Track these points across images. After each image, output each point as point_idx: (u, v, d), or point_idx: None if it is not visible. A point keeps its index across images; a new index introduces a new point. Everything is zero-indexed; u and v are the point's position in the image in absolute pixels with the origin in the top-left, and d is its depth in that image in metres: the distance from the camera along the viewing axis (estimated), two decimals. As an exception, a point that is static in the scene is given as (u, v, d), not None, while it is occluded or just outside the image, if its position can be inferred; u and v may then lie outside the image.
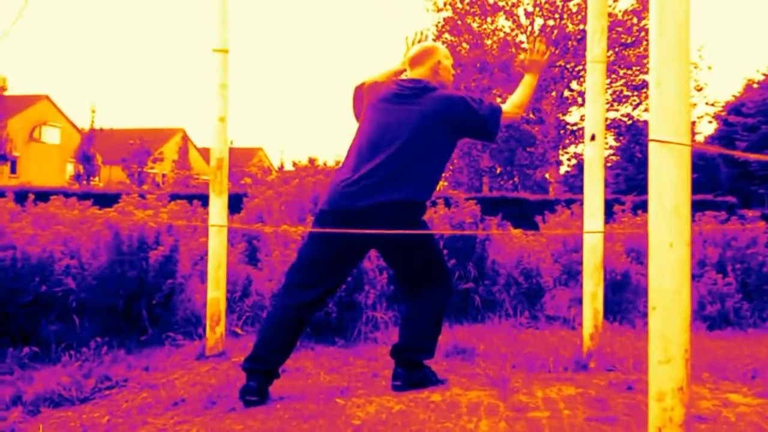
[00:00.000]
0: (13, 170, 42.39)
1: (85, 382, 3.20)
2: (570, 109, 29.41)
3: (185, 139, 51.35)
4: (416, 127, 3.05)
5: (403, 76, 3.42)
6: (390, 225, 2.96)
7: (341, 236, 3.00)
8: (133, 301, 4.25)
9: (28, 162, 44.76)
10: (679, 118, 1.72)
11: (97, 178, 37.86)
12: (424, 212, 3.16)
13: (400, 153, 3.02)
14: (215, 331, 3.95)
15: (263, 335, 3.09)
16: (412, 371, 3.21)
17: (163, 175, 43.75)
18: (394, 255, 3.22)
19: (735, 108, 38.38)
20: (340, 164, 3.24)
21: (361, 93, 3.39)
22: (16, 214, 4.54)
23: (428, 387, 3.19)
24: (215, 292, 3.95)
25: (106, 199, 7.76)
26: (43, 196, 6.28)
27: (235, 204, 5.32)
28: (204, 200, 4.82)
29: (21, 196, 5.21)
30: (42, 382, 3.19)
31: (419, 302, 3.24)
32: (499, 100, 28.08)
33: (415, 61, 3.30)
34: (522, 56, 3.50)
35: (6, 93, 35.97)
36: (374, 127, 3.14)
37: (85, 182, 34.75)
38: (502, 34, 28.52)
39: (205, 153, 50.77)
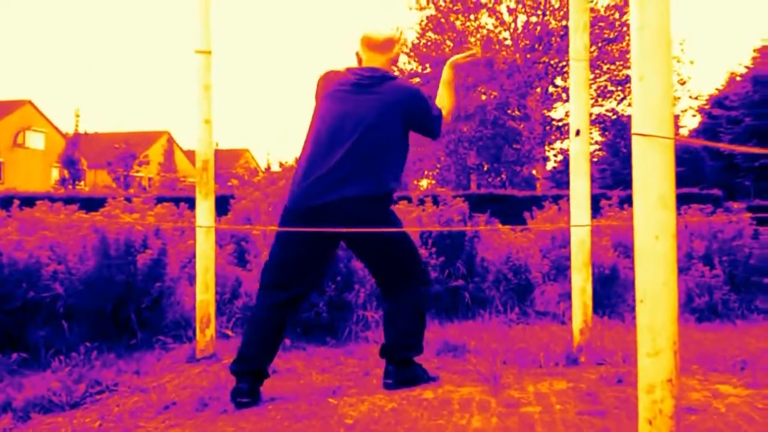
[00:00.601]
0: (-3, 176, 42.07)
1: (75, 387, 3.18)
2: (555, 105, 29.47)
3: (171, 141, 51.08)
4: (377, 116, 3.02)
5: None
6: (356, 219, 2.93)
7: (308, 235, 2.97)
8: (122, 305, 4.23)
9: (13, 168, 44.42)
10: (662, 112, 1.72)
11: (82, 183, 37.59)
12: (390, 203, 3.12)
13: (361, 144, 2.98)
14: (205, 334, 3.93)
15: (247, 337, 3.08)
16: (403, 369, 3.21)
17: (149, 179, 43.55)
18: (364, 250, 3.18)
19: (718, 101, 38.69)
20: (299, 158, 3.16)
21: (317, 84, 3.29)
22: (1, 219, 4.51)
23: (420, 384, 3.19)
24: (204, 295, 3.94)
25: (92, 204, 7.70)
26: (28, 201, 6.23)
27: (222, 206, 5.30)
28: (191, 203, 4.79)
29: (6, 201, 5.17)
30: (32, 388, 3.17)
31: (398, 298, 3.21)
32: (484, 97, 28.20)
33: (380, 48, 3.23)
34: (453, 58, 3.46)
35: (-12, 99, 35.67)
36: (332, 118, 3.07)
37: (70, 187, 34.50)
38: (485, 32, 28.53)
39: (191, 155, 50.54)
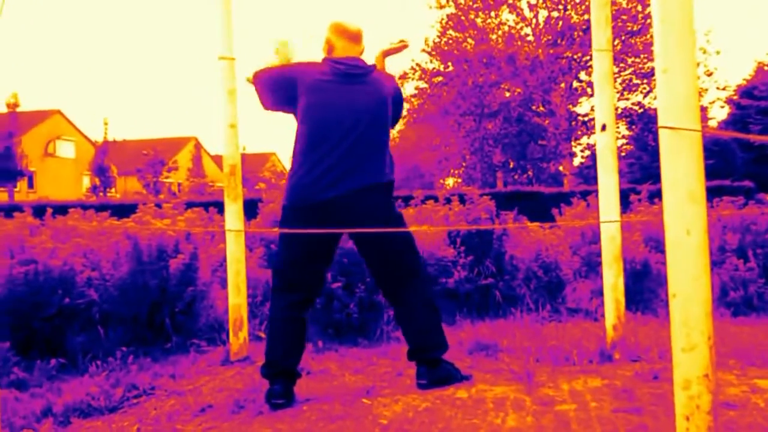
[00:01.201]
0: (30, 185, 42.82)
1: (113, 391, 3.24)
2: (580, 100, 29.25)
3: (198, 147, 51.65)
4: (377, 107, 3.04)
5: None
6: (362, 210, 2.93)
7: (311, 233, 2.97)
8: (156, 310, 4.29)
9: (44, 177, 45.18)
10: (688, 104, 1.71)
11: (113, 190, 38.19)
12: (392, 194, 3.11)
13: (365, 136, 2.98)
14: (239, 336, 3.98)
15: (270, 341, 3.12)
16: (435, 368, 3.18)
17: (179, 184, 44.01)
18: (370, 243, 3.13)
19: (747, 91, 37.99)
20: (294, 153, 3.08)
21: (284, 77, 3.14)
22: (35, 228, 4.58)
23: (453, 383, 3.18)
24: (236, 298, 3.99)
25: (123, 210, 7.80)
26: (60, 209, 6.34)
27: (250, 209, 5.34)
28: (220, 207, 4.84)
29: (39, 210, 5.26)
30: (71, 393, 3.23)
31: (405, 299, 3.19)
32: (508, 93, 28.05)
33: (355, 38, 3.22)
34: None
35: (18, 109, 36.30)
36: (327, 111, 3.00)
37: (101, 194, 35.07)
38: (506, 28, 28.39)
39: (218, 160, 51.02)
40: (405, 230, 3.15)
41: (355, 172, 2.95)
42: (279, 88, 3.16)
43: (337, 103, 3.02)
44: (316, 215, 2.97)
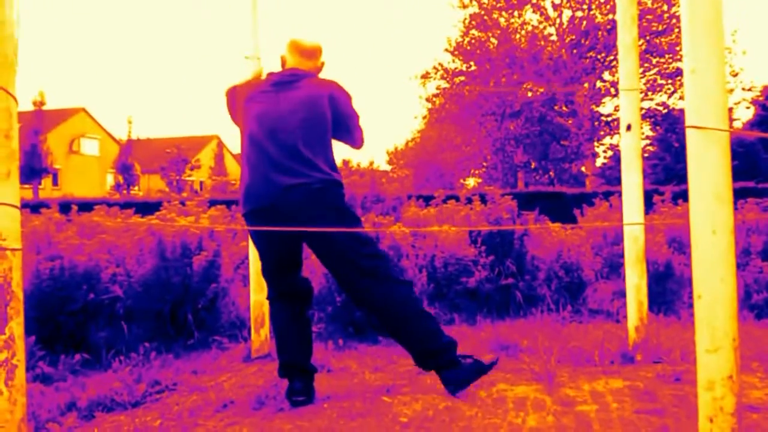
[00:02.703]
0: (54, 182, 43.37)
1: (136, 386, 3.27)
2: (603, 100, 29.05)
3: (220, 145, 51.99)
4: (304, 109, 2.97)
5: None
6: (303, 211, 2.86)
7: (269, 236, 2.97)
8: (179, 306, 4.33)
9: (69, 174, 45.75)
10: (716, 104, 1.70)
11: (136, 187, 38.54)
12: (334, 193, 2.96)
13: (295, 138, 2.92)
14: (260, 333, 4.01)
15: (277, 341, 3.16)
16: (452, 371, 3.03)
17: (201, 182, 44.34)
18: (314, 247, 3.05)
19: (774, 92, 37.49)
20: (241, 164, 3.11)
21: (233, 95, 3.22)
22: (61, 224, 4.65)
23: (476, 379, 3.06)
24: (258, 295, 4.01)
25: (147, 208, 7.90)
26: (85, 206, 6.44)
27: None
28: (243, 205, 4.88)
29: (64, 207, 5.34)
30: (94, 388, 3.27)
31: (369, 303, 3.02)
32: (530, 93, 27.93)
33: (306, 53, 3.19)
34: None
35: (44, 107, 36.76)
36: (260, 119, 3.00)
37: (125, 192, 35.41)
38: (530, 28, 28.29)
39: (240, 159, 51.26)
40: (345, 226, 2.95)
41: (289, 173, 2.88)
42: (229, 104, 3.25)
43: (266, 110, 3.01)
44: (267, 219, 2.93)
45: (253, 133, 3.01)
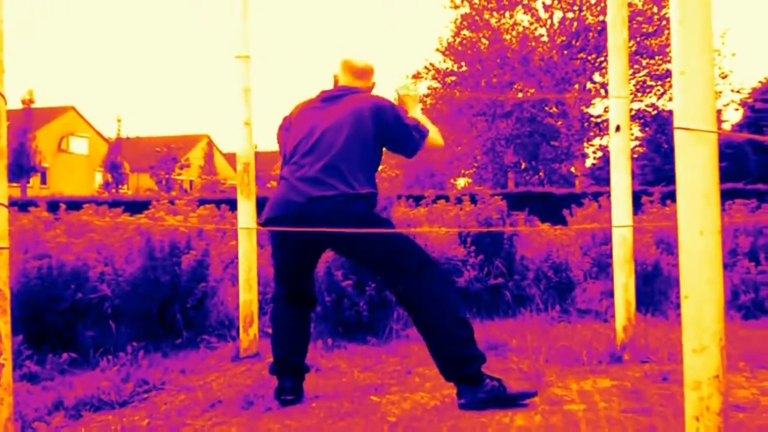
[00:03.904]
0: (43, 181, 43.13)
1: (123, 386, 3.26)
2: (593, 101, 29.15)
3: (210, 144, 51.88)
4: (346, 122, 2.99)
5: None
6: (328, 221, 2.83)
7: (292, 241, 2.98)
8: (168, 306, 4.32)
9: (57, 172, 45.49)
10: (704, 105, 1.71)
11: (125, 186, 38.39)
12: (365, 206, 2.94)
13: (331, 151, 2.94)
14: (249, 333, 4.00)
15: (275, 337, 3.16)
16: (475, 387, 2.83)
17: (191, 181, 44.21)
18: (353, 254, 3.09)
19: (762, 94, 37.74)
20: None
21: (287, 121, 3.29)
22: (49, 223, 4.62)
23: (500, 407, 2.80)
24: (247, 294, 4.01)
25: (136, 207, 7.85)
26: (74, 205, 6.38)
27: (262, 207, 5.35)
28: (232, 204, 4.88)
29: (52, 205, 5.29)
30: (82, 387, 3.25)
31: (422, 308, 2.90)
32: (520, 95, 28.00)
33: (357, 73, 3.25)
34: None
35: (33, 105, 36.56)
36: (301, 133, 3.07)
37: (114, 190, 35.26)
38: (521, 29, 28.35)
39: (230, 158, 51.19)
40: (376, 234, 2.91)
41: (312, 185, 2.90)
42: (283, 124, 3.31)
43: (311, 124, 3.07)
44: (293, 225, 2.93)
45: (296, 145, 3.08)
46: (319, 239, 2.93)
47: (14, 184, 34.82)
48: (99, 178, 44.34)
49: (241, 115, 4.08)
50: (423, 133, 3.14)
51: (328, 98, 3.14)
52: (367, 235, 2.85)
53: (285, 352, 3.11)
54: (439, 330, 2.88)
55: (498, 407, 2.79)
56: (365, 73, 3.27)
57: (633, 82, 27.46)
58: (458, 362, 2.86)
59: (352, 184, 2.90)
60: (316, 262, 3.27)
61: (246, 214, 4.02)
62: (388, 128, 3.06)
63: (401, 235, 3.13)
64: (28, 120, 35.20)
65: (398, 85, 3.40)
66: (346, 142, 2.96)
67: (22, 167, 34.52)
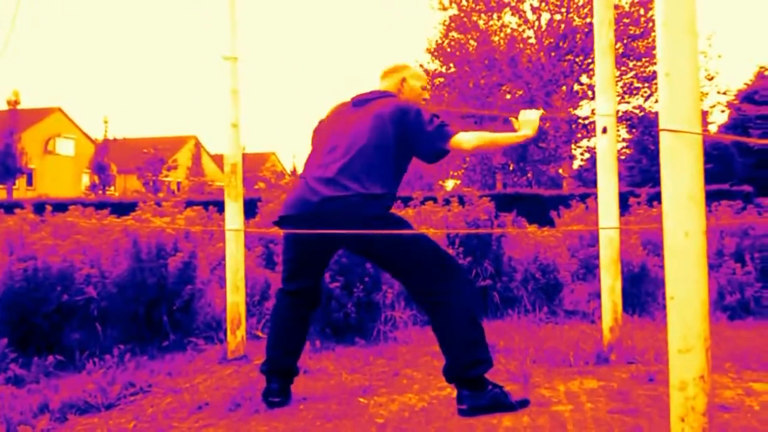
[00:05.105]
0: (29, 183, 42.79)
1: (110, 388, 3.24)
2: (581, 103, 29.24)
3: (198, 146, 51.66)
4: (367, 126, 3.00)
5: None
6: (345, 221, 2.83)
7: (305, 240, 2.99)
8: (154, 308, 4.29)
9: (44, 174, 45.13)
10: (690, 107, 1.72)
11: (112, 188, 38.19)
12: (381, 207, 2.91)
13: (351, 152, 2.95)
14: (236, 335, 3.98)
15: (272, 336, 3.15)
16: (478, 392, 2.82)
17: (178, 183, 44.03)
18: (368, 253, 3.09)
19: (748, 96, 38.02)
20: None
21: (321, 123, 3.34)
22: (35, 225, 4.59)
23: (501, 412, 2.80)
24: (234, 296, 3.99)
25: (122, 208, 7.82)
26: (60, 206, 6.35)
27: (250, 209, 5.35)
28: (219, 206, 4.86)
29: (38, 207, 5.26)
30: (68, 390, 3.23)
31: (435, 308, 2.90)
32: (508, 96, 28.07)
33: (385, 74, 3.32)
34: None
35: (19, 106, 36.29)
36: (327, 134, 3.15)
37: (100, 192, 35.06)
38: (509, 31, 28.42)
39: (217, 159, 51.07)
40: (400, 236, 2.90)
41: (326, 185, 2.91)
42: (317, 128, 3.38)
43: (335, 126, 3.14)
44: (296, 225, 2.97)
45: (320, 147, 3.13)
46: (332, 238, 2.94)
47: (0, 186, 34.55)
48: (86, 180, 44.02)
49: (228, 117, 4.06)
50: (445, 136, 2.97)
51: (359, 101, 3.19)
52: (382, 235, 2.84)
53: (279, 353, 3.10)
54: (454, 331, 2.87)
55: (497, 412, 2.78)
56: (389, 71, 3.32)
57: (620, 83, 27.57)
58: (466, 365, 2.83)
59: (366, 185, 2.90)
60: (328, 261, 3.29)
61: (233, 216, 4.01)
62: (407, 131, 3.00)
63: (419, 235, 3.11)
64: (14, 121, 34.90)
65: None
66: (366, 145, 2.97)
67: (8, 169, 34.23)
